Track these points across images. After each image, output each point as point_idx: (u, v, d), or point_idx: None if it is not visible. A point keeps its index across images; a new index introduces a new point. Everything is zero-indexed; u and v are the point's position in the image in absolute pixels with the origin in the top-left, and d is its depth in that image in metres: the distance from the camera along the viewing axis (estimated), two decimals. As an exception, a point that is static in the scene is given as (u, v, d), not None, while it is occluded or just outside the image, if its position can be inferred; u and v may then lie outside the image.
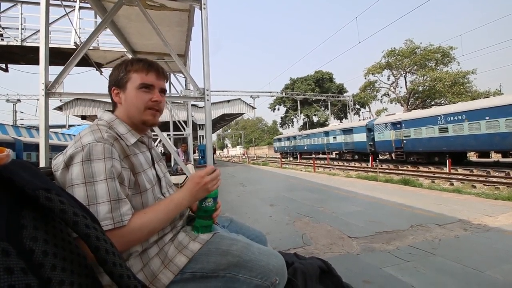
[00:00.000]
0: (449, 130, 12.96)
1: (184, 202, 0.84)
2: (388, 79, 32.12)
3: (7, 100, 29.94)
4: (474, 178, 8.97)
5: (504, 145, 10.99)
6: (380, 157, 19.53)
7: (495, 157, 14.31)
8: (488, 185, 7.84)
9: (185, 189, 0.86)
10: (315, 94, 39.59)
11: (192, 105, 15.19)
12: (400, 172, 11.66)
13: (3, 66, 7.45)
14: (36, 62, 5.55)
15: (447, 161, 11.06)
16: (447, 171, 10.64)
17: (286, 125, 51.24)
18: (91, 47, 5.55)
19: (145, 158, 0.91)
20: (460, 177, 9.30)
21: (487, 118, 11.42)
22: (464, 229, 2.77)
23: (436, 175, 10.29)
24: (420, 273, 1.87)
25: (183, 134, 10.68)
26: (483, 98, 15.09)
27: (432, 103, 27.88)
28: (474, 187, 7.80)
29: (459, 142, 12.55)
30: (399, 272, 1.88)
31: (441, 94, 25.75)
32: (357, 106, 41.04)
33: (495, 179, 8.54)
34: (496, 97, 12.90)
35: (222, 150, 73.70)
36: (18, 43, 6.59)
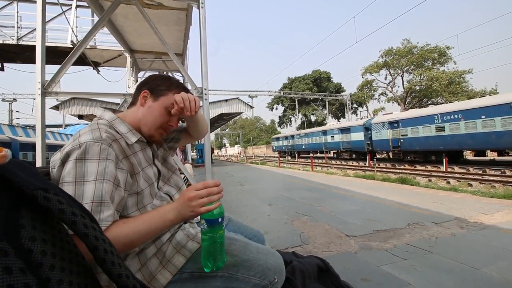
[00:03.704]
0: (446, 129, 13.05)
1: (169, 216, 0.72)
2: (386, 78, 32.31)
3: (3, 99, 29.71)
4: (471, 176, 9.05)
5: (500, 144, 11.09)
6: (378, 156, 19.61)
7: (491, 155, 14.44)
8: (484, 184, 7.90)
9: (174, 202, 0.75)
10: (313, 94, 39.67)
11: (190, 104, 15.11)
12: (397, 171, 11.72)
13: (-1, 65, 7.38)
14: (32, 61, 5.50)
15: (444, 159, 11.16)
16: (444, 170, 10.73)
17: (284, 124, 51.32)
18: (88, 46, 5.50)
19: (145, 156, 0.91)
20: (457, 175, 9.38)
21: (483, 117, 11.52)
22: (461, 227, 2.80)
23: (433, 173, 10.36)
24: (417, 270, 1.89)
25: (181, 134, 10.64)
26: (479, 97, 15.19)
27: (429, 102, 28.05)
28: (471, 185, 7.87)
29: (455, 141, 12.65)
30: (397, 270, 1.90)
31: (438, 93, 25.91)
32: (355, 105, 41.18)
33: (491, 178, 8.60)
34: (492, 96, 13.01)
35: (220, 150, 73.55)
36: (14, 42, 6.53)
